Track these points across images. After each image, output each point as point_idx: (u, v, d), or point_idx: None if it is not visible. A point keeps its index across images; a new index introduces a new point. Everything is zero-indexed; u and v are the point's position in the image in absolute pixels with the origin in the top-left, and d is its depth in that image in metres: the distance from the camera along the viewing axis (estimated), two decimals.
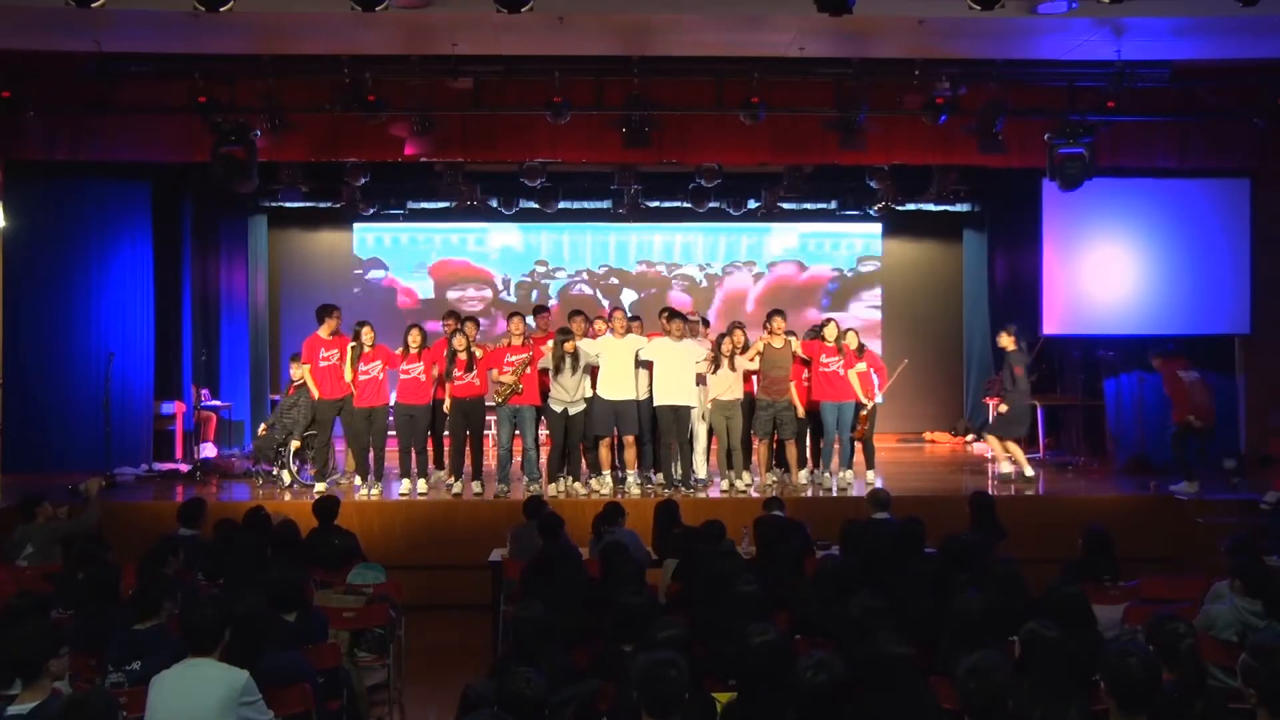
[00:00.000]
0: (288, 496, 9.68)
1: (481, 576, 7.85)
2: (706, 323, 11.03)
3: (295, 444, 10.02)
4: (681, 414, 9.68)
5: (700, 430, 10.09)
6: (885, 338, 14.82)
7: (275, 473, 10.10)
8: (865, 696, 3.89)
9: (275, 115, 9.78)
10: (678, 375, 9.63)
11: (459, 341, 9.60)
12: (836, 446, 10.03)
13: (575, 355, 9.51)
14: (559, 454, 9.78)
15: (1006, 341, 10.50)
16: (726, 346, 9.76)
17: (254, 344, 13.67)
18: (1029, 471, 10.26)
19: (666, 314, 10.24)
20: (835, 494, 9.78)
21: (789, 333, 10.04)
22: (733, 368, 9.77)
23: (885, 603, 4.64)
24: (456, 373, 9.57)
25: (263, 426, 9.83)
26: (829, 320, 10.25)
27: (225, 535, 6.99)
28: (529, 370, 9.53)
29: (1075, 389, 12.20)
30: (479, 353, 9.69)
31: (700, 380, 9.87)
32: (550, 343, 9.68)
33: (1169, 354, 10.42)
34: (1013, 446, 10.41)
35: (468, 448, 10.02)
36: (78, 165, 10.82)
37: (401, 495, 9.64)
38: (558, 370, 9.52)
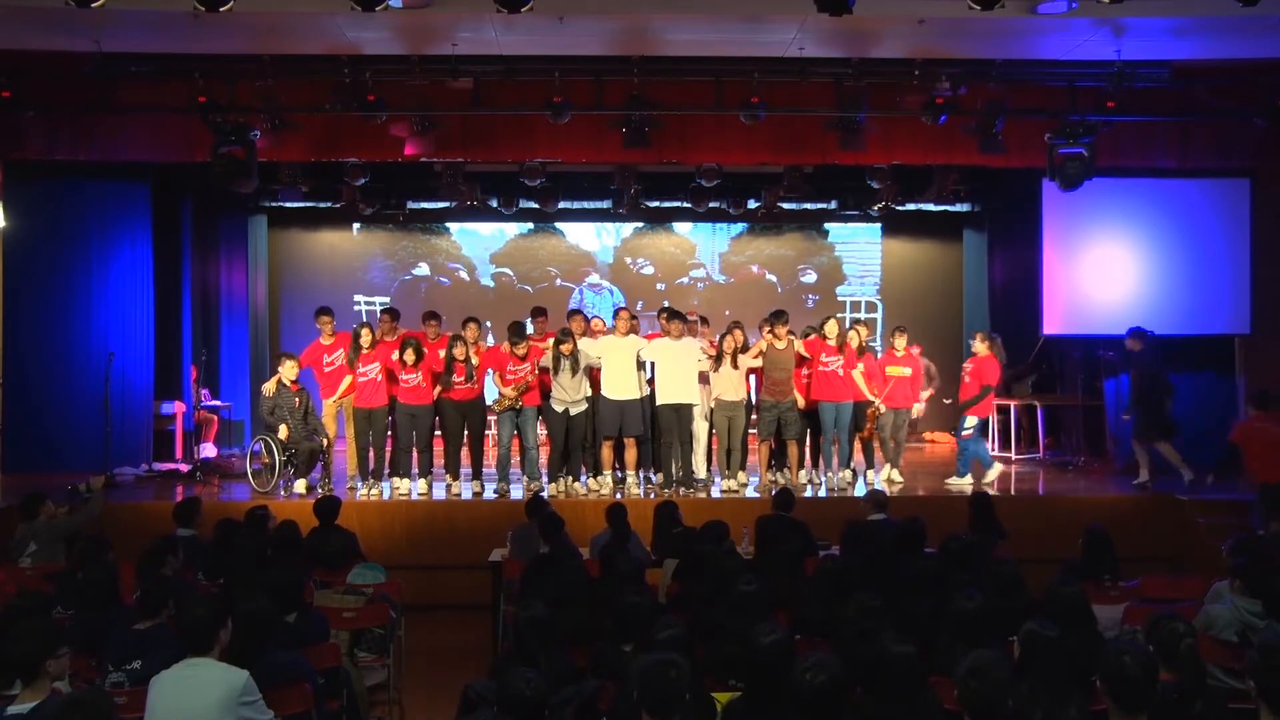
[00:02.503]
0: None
1: (481, 576, 7.84)
2: (705, 321, 11.01)
3: (324, 441, 9.91)
4: (683, 413, 9.67)
5: (701, 430, 10.08)
6: (885, 338, 14.81)
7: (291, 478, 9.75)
8: (866, 696, 3.90)
9: (275, 115, 9.79)
10: (679, 374, 9.62)
11: (459, 351, 9.56)
12: (835, 446, 10.03)
13: (574, 356, 9.51)
14: (559, 454, 9.78)
15: (1135, 345, 10.23)
16: (729, 345, 9.74)
17: (254, 344, 13.68)
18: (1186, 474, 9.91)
19: (665, 314, 10.24)
20: (835, 494, 9.79)
21: (789, 332, 10.03)
22: (735, 365, 9.75)
23: (883, 602, 4.64)
24: (456, 378, 9.56)
25: (284, 430, 9.64)
26: (829, 318, 10.21)
27: (225, 535, 6.99)
28: (530, 385, 9.57)
29: (1075, 389, 12.20)
30: (476, 360, 9.67)
31: (703, 379, 9.86)
32: (550, 341, 9.67)
33: (1271, 404, 9.13)
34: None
35: (467, 448, 10.02)
36: (78, 165, 10.81)
37: (400, 495, 9.64)
38: (556, 370, 9.52)
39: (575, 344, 9.53)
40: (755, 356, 9.85)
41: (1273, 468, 8.56)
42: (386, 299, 14.30)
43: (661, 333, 10.04)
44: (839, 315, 10.55)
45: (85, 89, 9.58)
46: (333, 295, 14.36)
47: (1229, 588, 5.34)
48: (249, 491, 9.68)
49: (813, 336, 10.12)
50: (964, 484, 10.09)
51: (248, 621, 4.48)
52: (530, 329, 10.07)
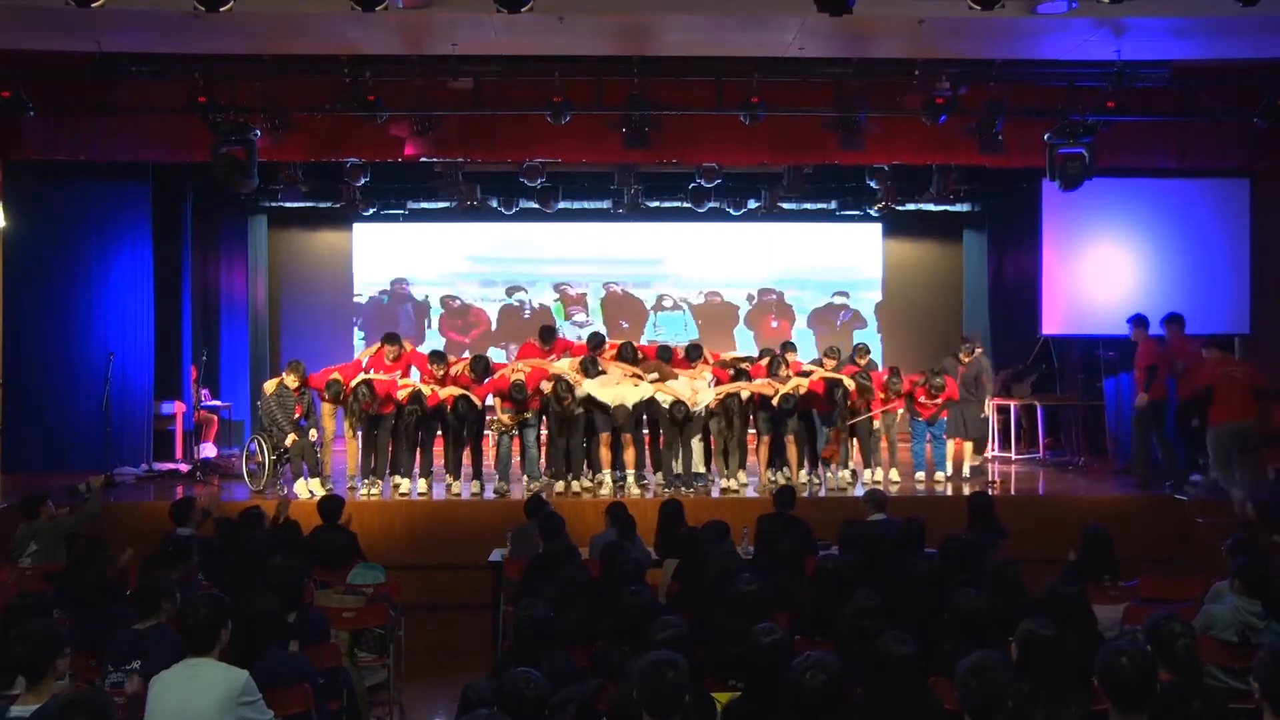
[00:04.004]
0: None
1: (481, 576, 7.85)
2: (699, 350, 10.56)
3: (315, 435, 9.94)
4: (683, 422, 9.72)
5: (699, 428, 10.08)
6: (885, 338, 14.83)
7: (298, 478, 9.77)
8: (866, 696, 3.90)
9: (275, 115, 9.80)
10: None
11: (465, 406, 9.63)
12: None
13: (572, 407, 9.56)
14: (560, 453, 9.79)
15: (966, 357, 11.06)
16: (733, 404, 9.66)
17: (254, 344, 13.67)
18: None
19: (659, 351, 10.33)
20: (835, 494, 9.79)
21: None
22: (741, 419, 9.83)
23: (881, 602, 4.64)
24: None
25: (292, 438, 9.68)
26: (828, 351, 10.64)
27: (226, 535, 6.99)
28: (528, 417, 9.70)
29: (1075, 389, 12.19)
30: (478, 400, 9.76)
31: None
32: (554, 358, 9.67)
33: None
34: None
35: (467, 448, 10.03)
36: (78, 165, 10.81)
37: (401, 495, 9.64)
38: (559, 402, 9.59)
39: (574, 398, 9.50)
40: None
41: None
42: (386, 300, 14.30)
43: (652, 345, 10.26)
44: (834, 351, 10.71)
45: (85, 89, 9.58)
46: (333, 295, 14.42)
47: (1229, 588, 5.33)
48: (248, 491, 9.71)
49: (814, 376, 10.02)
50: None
51: (248, 621, 4.48)
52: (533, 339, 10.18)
